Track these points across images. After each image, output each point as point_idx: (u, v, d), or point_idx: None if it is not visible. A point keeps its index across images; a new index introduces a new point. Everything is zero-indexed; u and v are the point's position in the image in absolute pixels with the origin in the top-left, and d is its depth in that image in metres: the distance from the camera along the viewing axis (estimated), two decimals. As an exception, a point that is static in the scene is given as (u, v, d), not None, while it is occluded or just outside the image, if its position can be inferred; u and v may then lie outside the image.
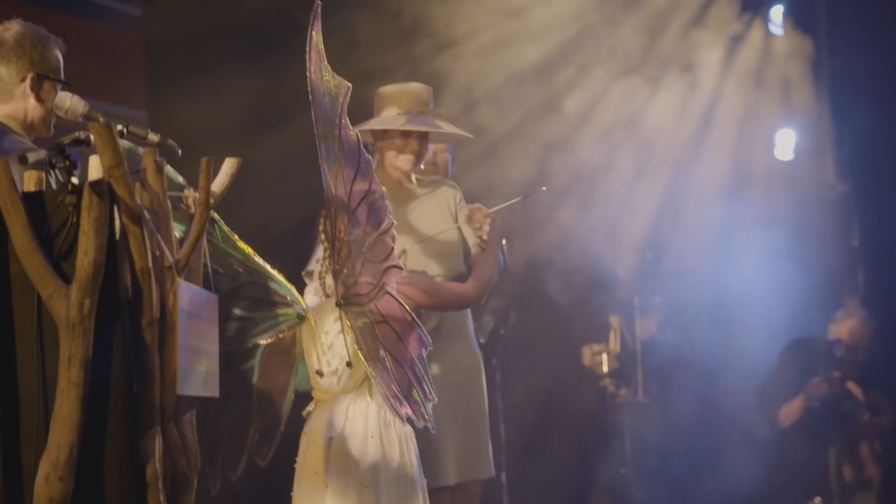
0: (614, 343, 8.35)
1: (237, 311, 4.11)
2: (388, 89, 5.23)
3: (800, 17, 9.23)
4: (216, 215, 3.95)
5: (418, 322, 4.09)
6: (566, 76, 8.03)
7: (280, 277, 4.22)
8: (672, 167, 8.63)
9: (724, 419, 8.23)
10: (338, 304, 4.10)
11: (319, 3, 4.02)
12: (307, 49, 3.97)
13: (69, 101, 3.58)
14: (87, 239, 2.88)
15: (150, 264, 2.96)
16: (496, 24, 7.57)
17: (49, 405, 2.88)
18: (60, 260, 2.93)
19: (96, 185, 2.89)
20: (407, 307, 4.06)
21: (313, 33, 3.98)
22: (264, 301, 4.19)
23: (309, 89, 3.96)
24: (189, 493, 3.15)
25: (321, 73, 3.96)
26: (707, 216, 8.55)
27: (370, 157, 4.10)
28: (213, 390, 3.23)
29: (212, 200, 3.21)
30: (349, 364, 4.17)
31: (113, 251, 2.92)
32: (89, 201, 2.88)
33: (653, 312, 8.42)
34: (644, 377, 8.20)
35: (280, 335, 4.24)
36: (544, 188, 5.22)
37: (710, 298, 8.36)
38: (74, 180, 2.96)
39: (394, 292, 4.05)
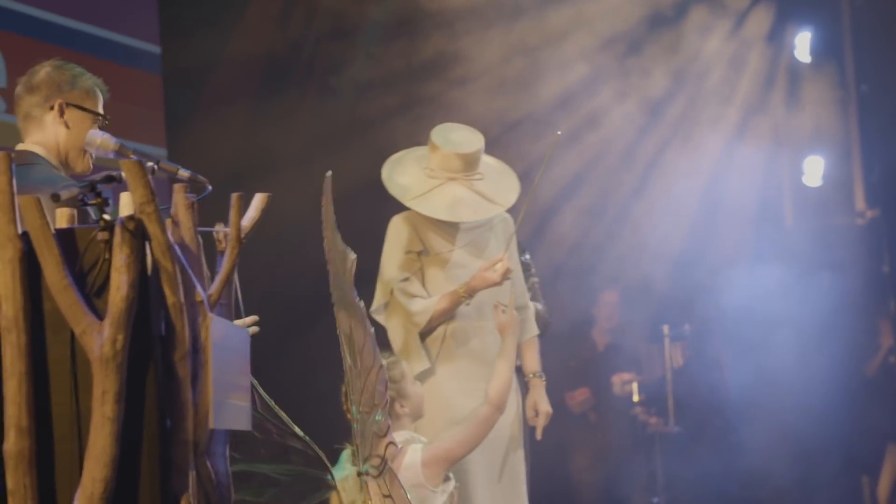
0: (645, 371, 8.33)
1: (273, 475, 4.16)
2: (442, 145, 5.24)
3: (826, 44, 9.24)
4: (255, 381, 3.91)
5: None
6: (586, 112, 8.07)
7: (314, 446, 4.24)
8: (700, 193, 8.63)
9: (757, 447, 8.19)
10: (359, 475, 4.20)
11: (329, 173, 4.06)
12: (322, 221, 4.02)
13: (100, 138, 3.63)
14: (119, 275, 2.89)
15: (182, 299, 2.97)
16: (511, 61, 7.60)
17: (83, 441, 2.90)
18: (93, 296, 2.95)
19: (127, 222, 2.91)
20: (405, 491, 4.18)
21: (323, 205, 4.03)
22: (297, 467, 4.23)
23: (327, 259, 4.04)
24: (221, 526, 3.15)
25: (336, 244, 4.03)
26: (736, 243, 8.54)
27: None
28: (245, 424, 3.23)
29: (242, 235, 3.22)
30: None
31: (145, 287, 2.94)
32: (121, 238, 2.90)
33: (683, 340, 8.40)
34: (675, 406, 8.17)
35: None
36: (559, 132, 5.25)
37: (740, 325, 8.34)
38: (107, 217, 2.98)
39: (394, 468, 4.20)
